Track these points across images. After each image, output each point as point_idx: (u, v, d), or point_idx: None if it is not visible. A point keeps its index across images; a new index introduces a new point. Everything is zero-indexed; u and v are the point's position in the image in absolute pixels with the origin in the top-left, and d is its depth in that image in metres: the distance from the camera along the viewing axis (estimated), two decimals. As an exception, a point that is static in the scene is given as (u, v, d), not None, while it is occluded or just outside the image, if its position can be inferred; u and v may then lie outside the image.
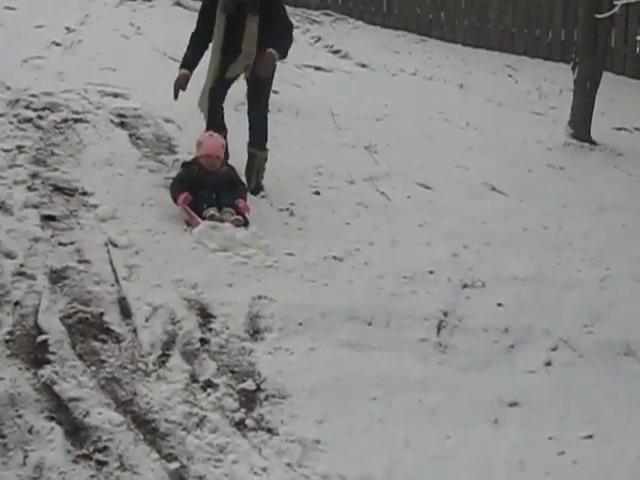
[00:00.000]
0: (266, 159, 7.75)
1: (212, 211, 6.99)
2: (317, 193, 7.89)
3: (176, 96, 7.49)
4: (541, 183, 8.95)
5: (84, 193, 7.17)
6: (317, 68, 11.56)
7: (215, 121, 7.63)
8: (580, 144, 10.21)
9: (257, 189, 7.67)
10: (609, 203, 8.67)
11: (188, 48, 7.65)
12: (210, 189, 7.14)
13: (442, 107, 10.68)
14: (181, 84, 7.46)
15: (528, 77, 12.47)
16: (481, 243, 7.42)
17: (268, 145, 7.75)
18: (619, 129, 10.98)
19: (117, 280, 6.18)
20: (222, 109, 7.73)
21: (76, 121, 8.41)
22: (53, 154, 7.73)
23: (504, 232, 7.67)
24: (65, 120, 8.39)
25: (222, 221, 6.95)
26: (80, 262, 6.30)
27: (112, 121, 8.58)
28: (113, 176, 7.53)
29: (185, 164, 7.46)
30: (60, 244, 6.47)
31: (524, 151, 9.78)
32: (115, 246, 6.52)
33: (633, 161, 10.01)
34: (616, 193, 9.00)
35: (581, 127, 10.33)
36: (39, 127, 8.16)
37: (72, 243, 6.50)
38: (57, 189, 7.18)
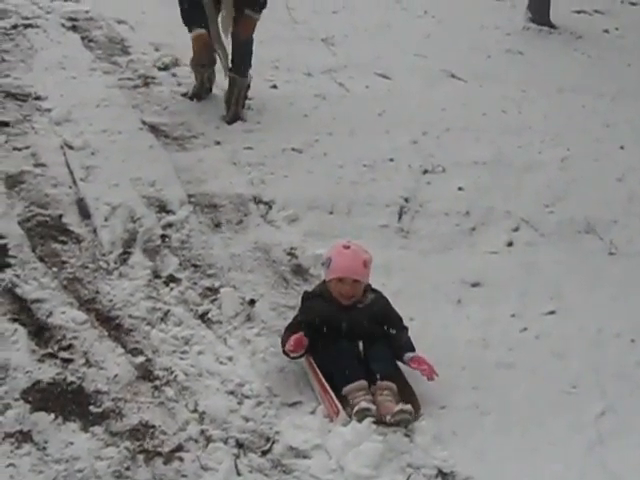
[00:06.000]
0: (248, 87, 7.24)
1: (364, 403, 4.50)
2: (274, 87, 7.80)
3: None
4: (500, 68, 8.90)
5: (37, 98, 7.08)
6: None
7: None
8: (539, 28, 10.15)
9: (234, 118, 7.10)
10: (568, 85, 8.64)
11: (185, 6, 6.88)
12: (350, 335, 4.81)
13: (399, -4, 10.55)
14: (205, 42, 6.81)
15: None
16: (441, 129, 7.38)
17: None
18: (578, 12, 10.92)
19: (74, 182, 6.13)
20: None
21: (26, 26, 8.28)
22: (4, 60, 7.61)
23: (463, 118, 7.64)
24: (15, 26, 8.25)
25: (381, 416, 4.52)
26: (36, 166, 6.24)
27: (63, 25, 8.45)
28: (66, 79, 7.42)
29: (307, 296, 5.07)
30: (15, 149, 6.40)
31: (483, 37, 9.71)
32: (71, 148, 6.46)
33: (592, 44, 9.99)
34: (575, 75, 8.99)
35: (540, 11, 10.25)
36: (-12, 34, 8.03)
37: (27, 147, 6.43)
38: (9, 95, 7.08)
